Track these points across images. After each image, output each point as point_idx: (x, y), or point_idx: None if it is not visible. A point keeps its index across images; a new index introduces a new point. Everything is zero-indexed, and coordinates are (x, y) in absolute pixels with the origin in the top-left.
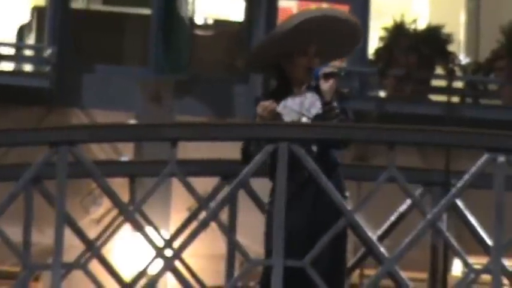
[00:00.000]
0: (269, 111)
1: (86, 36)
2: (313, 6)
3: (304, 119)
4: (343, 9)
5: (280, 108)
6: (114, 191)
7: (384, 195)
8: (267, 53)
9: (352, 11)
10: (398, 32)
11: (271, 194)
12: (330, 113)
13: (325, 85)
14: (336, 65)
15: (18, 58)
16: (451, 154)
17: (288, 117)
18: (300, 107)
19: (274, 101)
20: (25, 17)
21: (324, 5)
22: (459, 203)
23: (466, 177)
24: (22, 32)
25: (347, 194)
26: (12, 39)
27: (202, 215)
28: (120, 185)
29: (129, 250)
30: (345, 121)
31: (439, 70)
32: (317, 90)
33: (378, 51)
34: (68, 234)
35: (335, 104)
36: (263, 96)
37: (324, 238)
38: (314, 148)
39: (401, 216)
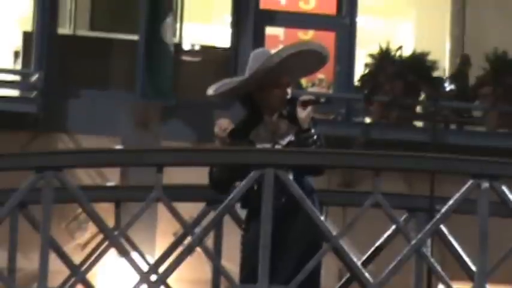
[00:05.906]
0: (224, 129)
1: (72, 61)
2: (300, 33)
3: (277, 147)
4: (330, 36)
5: (253, 136)
6: (100, 216)
7: (368, 220)
8: (239, 89)
9: (338, 38)
10: (384, 59)
11: (248, 221)
12: (307, 140)
13: (303, 113)
14: (314, 91)
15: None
16: (435, 180)
17: (260, 145)
18: (273, 135)
19: (245, 128)
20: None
21: (310, 33)
22: (443, 228)
23: (450, 202)
24: (17, 57)
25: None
26: (7, 64)
27: (188, 240)
28: (106, 210)
29: (114, 275)
30: (322, 147)
31: (424, 97)
32: (289, 117)
33: (363, 78)
34: (53, 259)
35: (313, 131)
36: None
37: (309, 264)
38: (290, 175)
39: (386, 242)
